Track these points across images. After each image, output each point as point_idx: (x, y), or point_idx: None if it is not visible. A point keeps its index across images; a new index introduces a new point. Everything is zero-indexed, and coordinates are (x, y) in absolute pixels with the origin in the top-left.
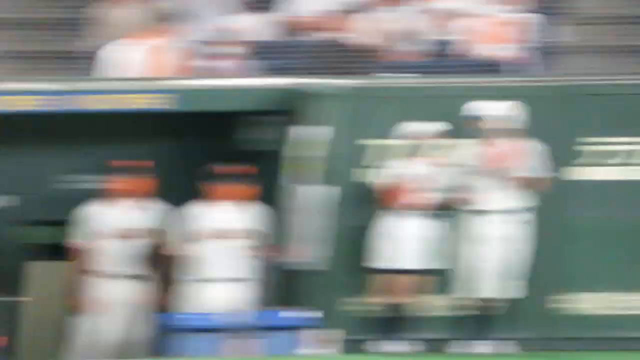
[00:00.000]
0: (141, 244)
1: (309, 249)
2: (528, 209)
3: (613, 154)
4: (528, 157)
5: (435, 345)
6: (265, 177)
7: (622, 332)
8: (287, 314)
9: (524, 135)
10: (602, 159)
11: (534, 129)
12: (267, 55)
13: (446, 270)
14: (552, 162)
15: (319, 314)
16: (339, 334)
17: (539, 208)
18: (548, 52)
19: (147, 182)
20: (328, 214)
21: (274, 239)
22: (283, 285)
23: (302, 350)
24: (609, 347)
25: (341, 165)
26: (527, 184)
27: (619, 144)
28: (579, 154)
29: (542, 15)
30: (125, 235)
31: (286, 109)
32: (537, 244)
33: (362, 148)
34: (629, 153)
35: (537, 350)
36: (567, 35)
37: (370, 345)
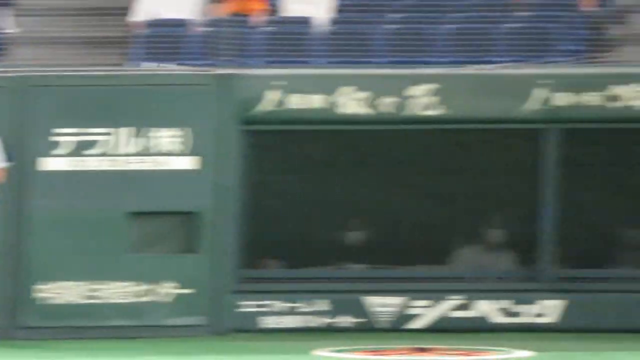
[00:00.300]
0: None
1: None
2: None
3: (65, 144)
4: None
5: None
6: None
7: (90, 321)
8: None
9: None
10: (57, 150)
11: None
12: None
13: None
14: (8, 153)
15: None
16: None
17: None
18: None
19: None
20: None
21: None
22: None
23: None
24: (77, 335)
25: None
26: None
27: (70, 135)
28: (36, 144)
29: None
30: None
31: None
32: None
33: None
34: (81, 143)
35: None
36: (13, 25)
37: None
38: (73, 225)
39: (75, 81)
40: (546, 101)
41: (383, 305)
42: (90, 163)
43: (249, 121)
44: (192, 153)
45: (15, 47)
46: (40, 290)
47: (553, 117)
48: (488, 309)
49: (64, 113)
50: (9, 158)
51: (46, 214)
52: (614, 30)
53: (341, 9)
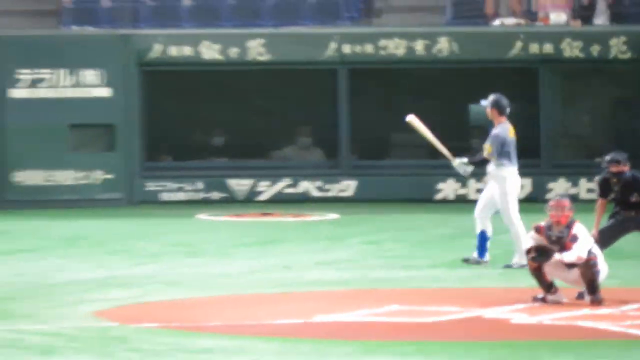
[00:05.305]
0: None
1: None
2: None
3: (24, 80)
4: None
5: None
6: None
7: (49, 196)
8: None
9: None
10: (19, 84)
11: None
12: None
13: None
14: None
15: None
16: None
17: None
18: None
19: None
20: None
21: None
22: None
23: None
24: (41, 206)
25: None
26: None
27: (27, 74)
28: (4, 81)
29: None
30: None
31: None
32: None
33: None
34: (35, 80)
35: None
36: None
37: None
38: (35, 133)
39: (28, 39)
40: (337, 49)
41: (239, 185)
42: (42, 92)
43: (144, 64)
44: (107, 85)
45: None
46: (16, 176)
47: (343, 60)
48: (308, 186)
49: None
50: None
51: (15, 127)
52: (378, 3)
53: None
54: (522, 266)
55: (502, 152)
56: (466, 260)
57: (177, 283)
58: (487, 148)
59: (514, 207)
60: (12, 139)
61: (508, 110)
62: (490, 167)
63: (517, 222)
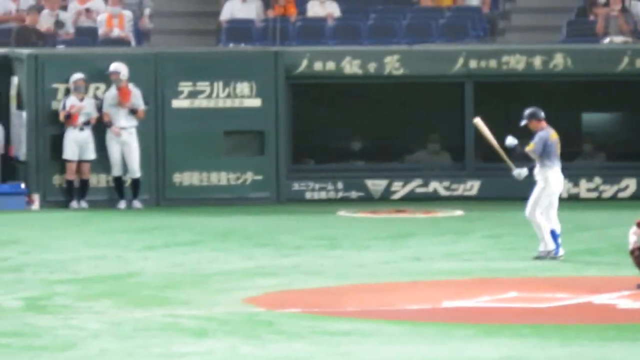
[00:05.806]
0: None
1: None
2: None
3: (185, 92)
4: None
5: None
6: None
7: (205, 195)
8: None
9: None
10: (180, 95)
11: None
12: None
13: None
14: (146, 100)
15: None
16: None
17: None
18: None
19: None
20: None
21: None
22: None
23: None
24: (197, 204)
25: (41, 98)
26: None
27: (188, 86)
28: (168, 92)
29: None
30: None
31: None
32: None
33: (53, 88)
34: (193, 91)
35: None
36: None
37: None
38: (193, 139)
39: (190, 55)
40: (464, 64)
41: (375, 185)
42: (200, 102)
43: (291, 77)
44: (258, 96)
45: (151, 35)
46: (175, 177)
47: (469, 74)
48: (437, 186)
49: (183, 73)
50: (146, 102)
51: (175, 133)
52: (502, 23)
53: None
54: (548, 253)
55: (544, 152)
56: (538, 258)
57: (318, 272)
58: (531, 145)
59: (550, 207)
60: (172, 144)
61: (543, 114)
62: (536, 169)
63: (539, 218)
